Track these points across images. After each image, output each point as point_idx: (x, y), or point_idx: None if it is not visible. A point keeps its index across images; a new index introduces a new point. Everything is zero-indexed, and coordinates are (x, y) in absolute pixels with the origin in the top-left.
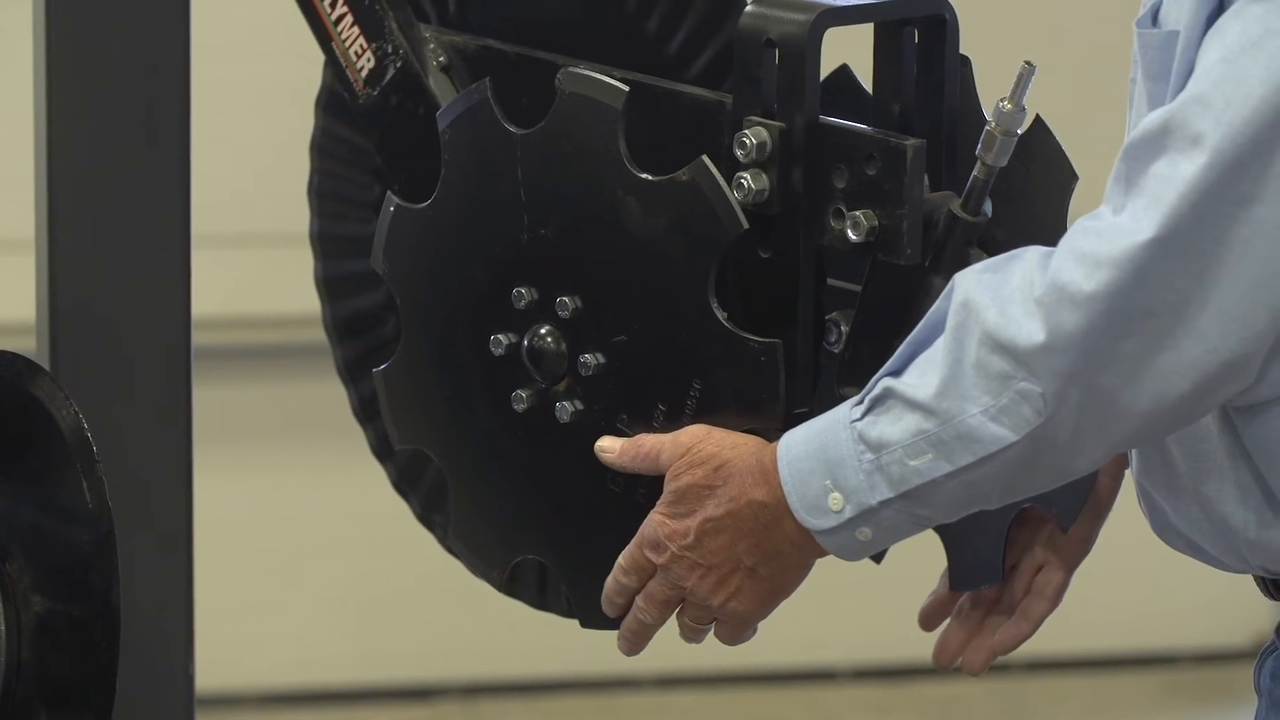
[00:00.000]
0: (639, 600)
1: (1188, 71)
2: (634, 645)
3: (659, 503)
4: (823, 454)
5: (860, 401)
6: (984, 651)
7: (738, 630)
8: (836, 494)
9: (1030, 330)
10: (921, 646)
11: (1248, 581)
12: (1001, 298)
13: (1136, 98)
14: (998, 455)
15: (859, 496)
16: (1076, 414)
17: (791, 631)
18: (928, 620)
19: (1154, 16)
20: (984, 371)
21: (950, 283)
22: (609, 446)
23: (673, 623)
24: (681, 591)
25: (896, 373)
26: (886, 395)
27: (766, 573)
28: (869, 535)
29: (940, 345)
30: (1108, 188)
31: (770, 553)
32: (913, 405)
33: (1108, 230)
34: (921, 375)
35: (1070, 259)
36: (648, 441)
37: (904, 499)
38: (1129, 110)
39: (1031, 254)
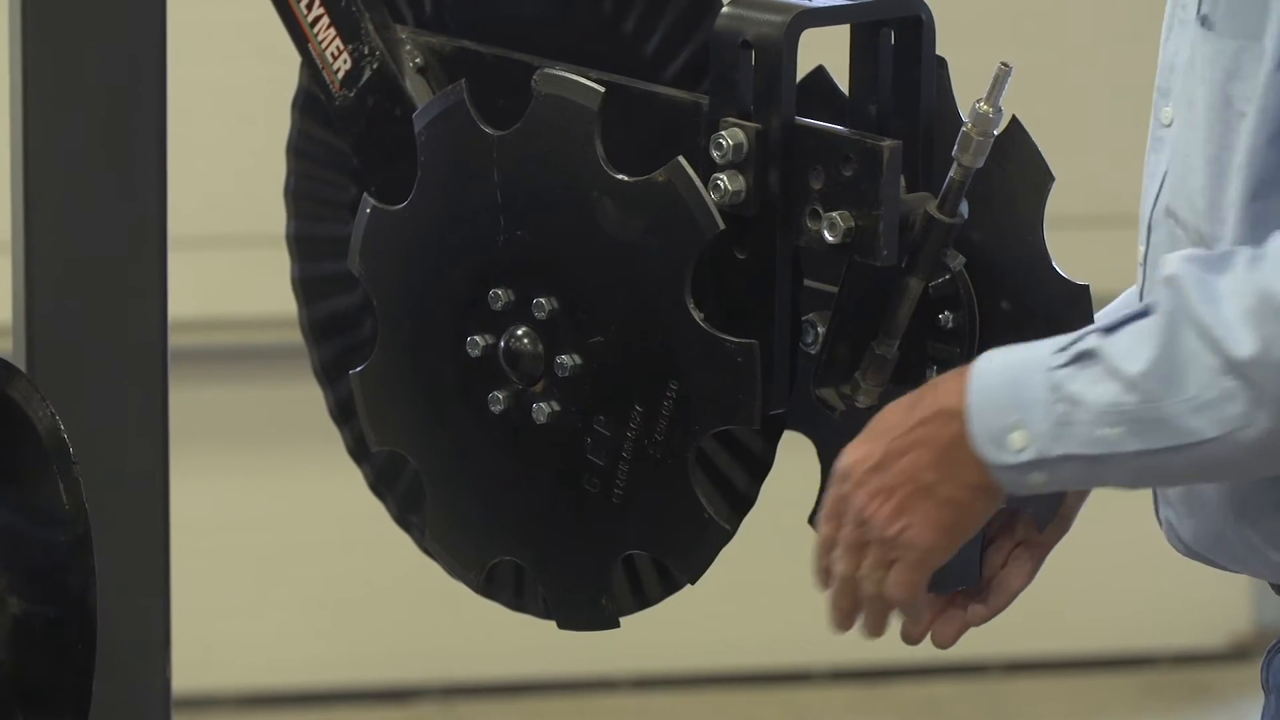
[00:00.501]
0: (836, 550)
1: None
2: (842, 612)
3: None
4: (1014, 389)
5: (1064, 349)
6: (956, 624)
7: (915, 572)
8: (1020, 433)
9: (1242, 339)
10: (898, 647)
11: (1225, 583)
12: (1213, 295)
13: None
14: (1192, 447)
15: (1042, 444)
16: (1278, 423)
17: (768, 632)
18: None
19: None
20: (1196, 364)
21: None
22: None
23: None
24: (864, 529)
25: (1108, 330)
26: (1092, 355)
27: (947, 494)
28: (1042, 481)
29: (1154, 323)
30: None
31: (951, 468)
32: (1116, 374)
33: None
34: (1131, 346)
35: (1278, 269)
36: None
37: (1086, 461)
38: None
39: (1240, 257)
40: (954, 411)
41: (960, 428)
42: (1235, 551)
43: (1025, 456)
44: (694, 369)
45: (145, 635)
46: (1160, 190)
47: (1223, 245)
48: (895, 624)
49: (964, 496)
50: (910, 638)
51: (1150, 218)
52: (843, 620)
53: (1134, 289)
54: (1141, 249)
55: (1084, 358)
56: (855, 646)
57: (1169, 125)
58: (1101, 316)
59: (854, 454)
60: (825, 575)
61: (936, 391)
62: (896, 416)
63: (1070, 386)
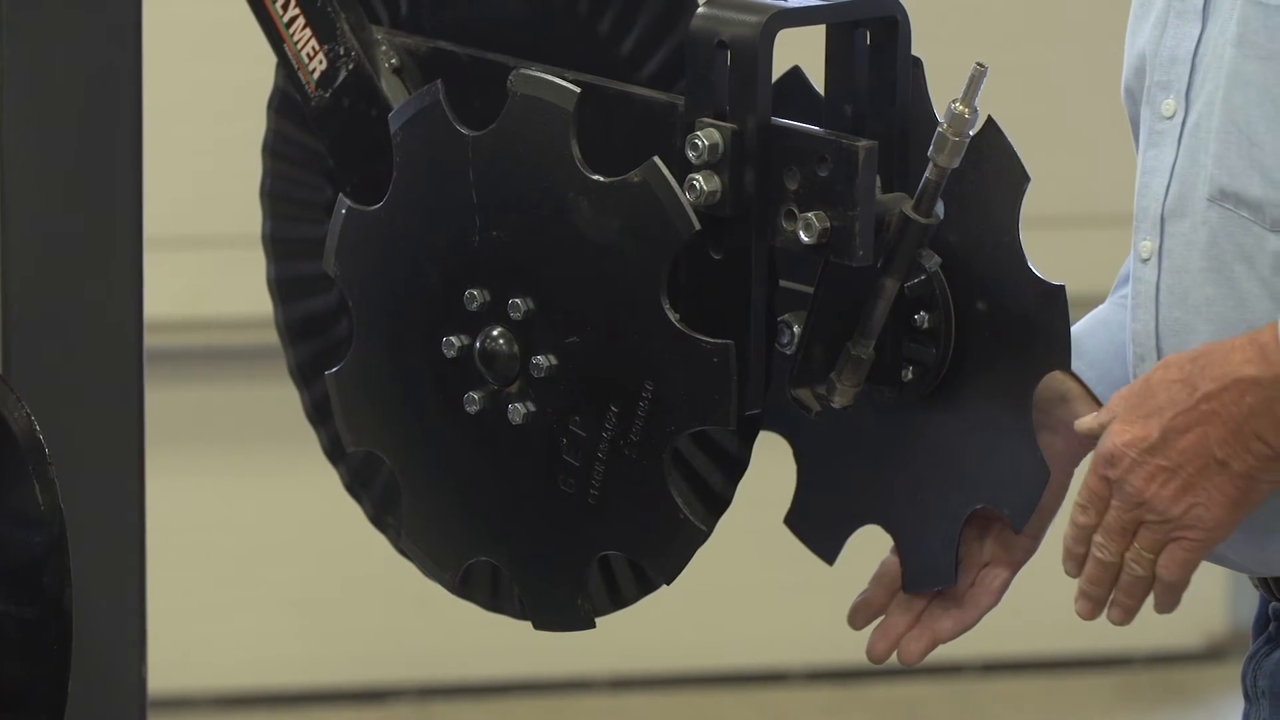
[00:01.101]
0: (1097, 536)
1: None
2: (1094, 601)
3: (1118, 416)
4: None
5: None
6: (924, 640)
7: (1194, 552)
8: None
9: None
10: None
11: (1201, 583)
12: None
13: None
14: None
15: None
16: None
17: (744, 633)
18: (857, 618)
19: None
20: None
21: None
22: (1084, 421)
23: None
24: (1139, 511)
25: None
26: None
27: (1240, 467)
28: None
29: None
30: None
31: (1247, 440)
32: None
33: None
34: None
35: None
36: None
37: None
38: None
39: None
40: (1256, 381)
41: (1261, 398)
42: (1262, 545)
43: None
44: (670, 369)
45: (121, 636)
46: (1170, 182)
47: None
48: (866, 631)
49: (1259, 468)
50: (875, 654)
51: (1162, 211)
52: (1092, 610)
53: (1104, 306)
54: (1149, 244)
55: None
56: (831, 647)
57: (1171, 117)
58: (1088, 322)
59: (1122, 436)
60: (1079, 563)
61: (1221, 362)
62: (1172, 393)
63: None
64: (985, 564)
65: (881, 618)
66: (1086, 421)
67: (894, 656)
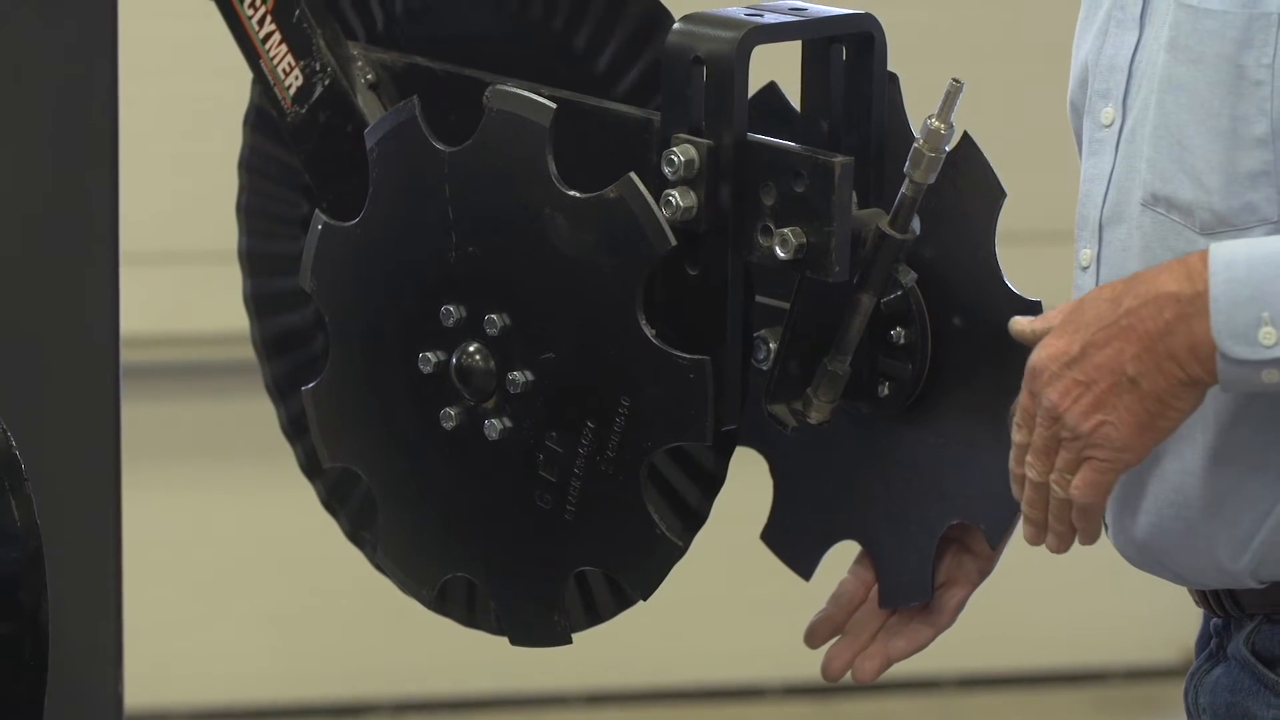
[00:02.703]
0: (1028, 456)
1: None
2: (1035, 525)
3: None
4: (1273, 283)
5: None
6: (878, 659)
7: (1103, 473)
8: (1271, 329)
9: None
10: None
11: (1177, 597)
12: None
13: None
14: None
15: None
16: None
17: (721, 648)
18: (814, 637)
19: None
20: None
21: None
22: (1020, 320)
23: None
24: (1056, 427)
25: None
26: None
27: (1149, 386)
28: (1277, 379)
29: None
30: None
31: (1159, 358)
32: None
33: None
34: None
35: None
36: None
37: None
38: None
39: None
40: (1174, 296)
41: (1176, 314)
42: (1191, 552)
43: (1277, 353)
44: (646, 385)
45: (97, 651)
46: (1108, 189)
47: (1245, 217)
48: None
49: (1169, 390)
50: (830, 672)
51: (1100, 218)
52: (1035, 534)
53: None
54: (1088, 251)
55: None
56: (808, 663)
57: (1109, 125)
58: None
59: (1048, 349)
60: (1019, 483)
61: (1147, 279)
62: (1099, 308)
63: None
64: (941, 584)
65: (837, 637)
66: (1020, 321)
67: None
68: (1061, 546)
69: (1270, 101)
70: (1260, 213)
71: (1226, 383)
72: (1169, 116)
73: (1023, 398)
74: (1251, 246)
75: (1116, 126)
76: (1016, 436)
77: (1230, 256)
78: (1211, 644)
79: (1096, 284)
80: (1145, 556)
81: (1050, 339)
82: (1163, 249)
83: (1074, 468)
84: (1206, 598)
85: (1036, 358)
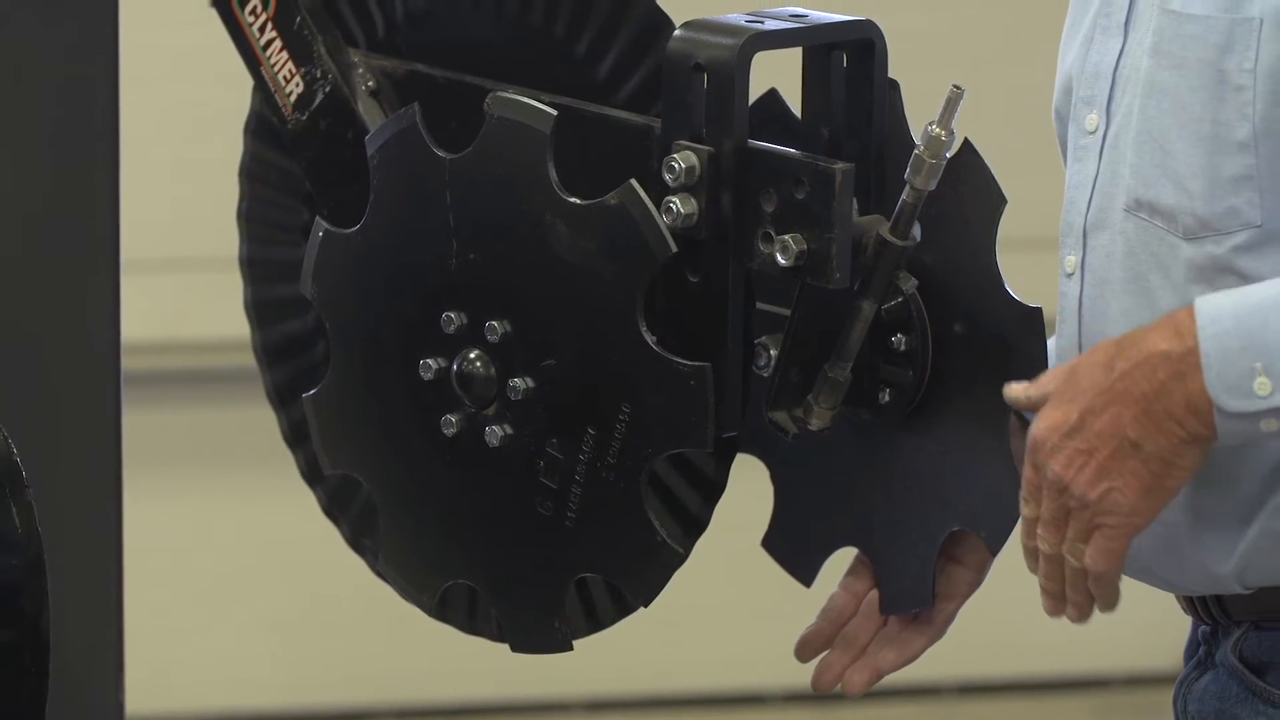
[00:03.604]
0: (1038, 529)
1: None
2: (1052, 597)
3: (1048, 401)
4: (1261, 332)
5: None
6: (867, 671)
7: (1115, 541)
8: (1265, 379)
9: None
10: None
11: (1176, 605)
12: None
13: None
14: None
15: None
16: None
17: (722, 655)
18: (805, 650)
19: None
20: None
21: None
22: (1015, 387)
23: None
24: (1064, 498)
25: None
26: None
27: (1151, 449)
28: (1276, 428)
29: None
30: None
31: (1158, 420)
32: None
33: None
34: None
35: None
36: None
37: None
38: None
39: None
40: (1166, 356)
41: (1170, 374)
42: (1177, 559)
43: (1275, 402)
44: (646, 392)
45: (98, 658)
46: (1092, 195)
47: (1228, 221)
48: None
49: (1171, 450)
50: (820, 685)
51: (1085, 224)
52: (1054, 605)
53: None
54: (1073, 258)
55: None
56: (808, 670)
57: (1094, 131)
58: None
59: (1046, 420)
60: (1033, 557)
61: (1138, 341)
62: (1093, 376)
63: None
64: None
65: (827, 651)
66: (1015, 388)
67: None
68: (1081, 617)
69: (1252, 106)
70: (1243, 217)
71: (1227, 436)
72: (1152, 122)
73: (1027, 471)
74: (1237, 298)
75: (1100, 133)
76: (1025, 511)
77: (1216, 310)
78: (1200, 652)
79: (1081, 290)
80: (1134, 565)
81: (1047, 410)
82: (1146, 254)
83: (1086, 537)
84: (1194, 605)
85: (1036, 430)
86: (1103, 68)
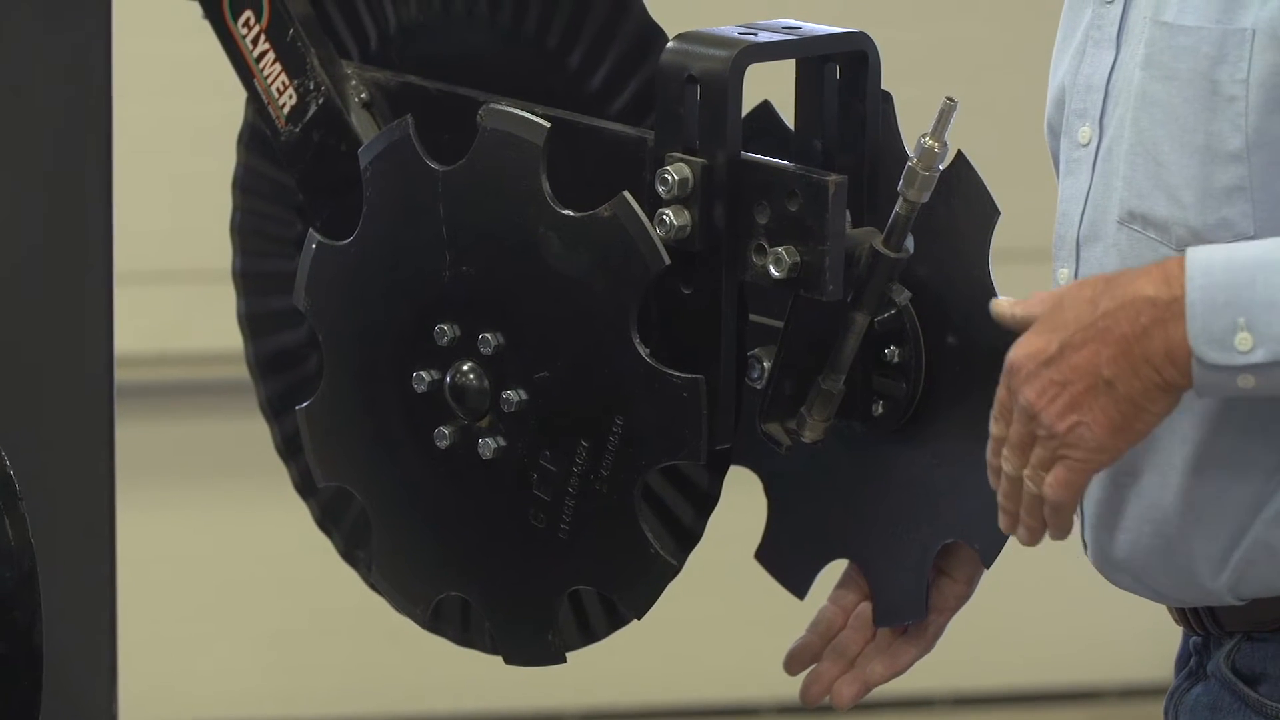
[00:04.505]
0: (1004, 449)
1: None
2: (1009, 515)
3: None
4: (1247, 290)
5: None
6: (856, 684)
7: (1076, 473)
8: (1247, 334)
9: None
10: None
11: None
12: None
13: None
14: None
15: (1276, 346)
16: None
17: (715, 667)
18: (794, 663)
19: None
20: None
21: None
22: (1003, 302)
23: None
24: (1032, 425)
25: None
26: None
27: (1124, 389)
28: (1251, 384)
29: None
30: None
31: (1135, 362)
32: None
33: None
34: None
35: None
36: (1045, 292)
37: None
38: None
39: None
40: (1151, 301)
41: (1152, 319)
42: (1170, 569)
43: (1252, 359)
44: (640, 404)
45: (91, 670)
46: (1085, 209)
47: (1220, 233)
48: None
49: (1144, 394)
50: (809, 698)
51: (1077, 237)
52: (1008, 523)
53: None
54: (1065, 270)
55: None
56: (801, 682)
57: (1086, 144)
58: None
59: (1026, 347)
60: (995, 475)
61: (1126, 282)
62: (1077, 310)
63: None
64: None
65: (815, 665)
66: (1002, 303)
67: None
68: (1033, 540)
69: (1245, 117)
70: (1235, 228)
71: (1202, 387)
72: (1145, 133)
73: (1000, 392)
74: (1230, 252)
75: (1093, 145)
76: (994, 429)
77: (1208, 262)
78: (1191, 662)
79: None
80: (1124, 575)
81: (1029, 336)
82: (1139, 266)
83: (1048, 465)
84: (1186, 616)
85: (1014, 355)
86: (1095, 80)
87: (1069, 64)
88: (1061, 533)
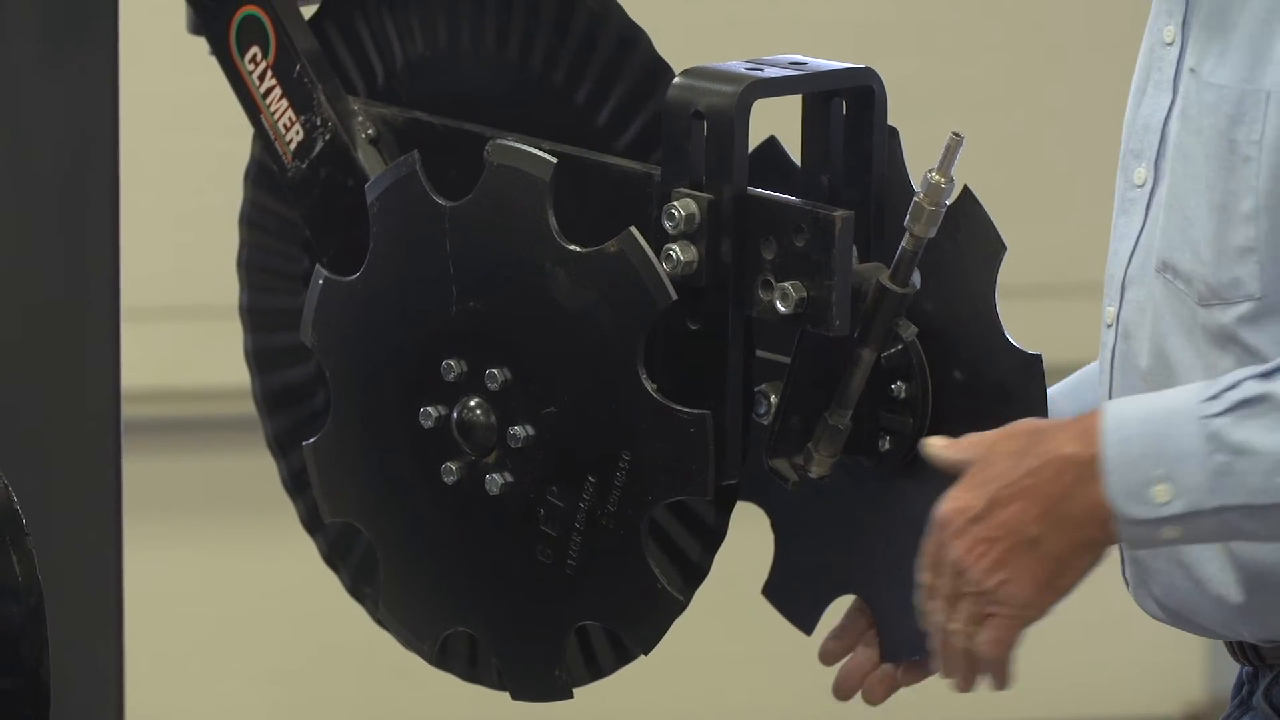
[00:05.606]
0: (934, 600)
1: None
2: (949, 665)
3: (960, 482)
4: (1161, 442)
5: (1214, 397)
6: (888, 683)
7: (1005, 630)
8: (1165, 486)
9: None
10: (849, 710)
11: (1181, 650)
12: None
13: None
14: None
15: (1194, 496)
16: None
17: (722, 703)
18: (829, 656)
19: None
20: None
21: None
22: (936, 442)
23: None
24: (960, 581)
25: (1268, 376)
26: (1260, 400)
27: (1050, 548)
28: (1176, 535)
29: None
30: None
31: (1059, 521)
32: None
33: None
34: None
35: None
36: (976, 436)
37: (1247, 511)
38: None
39: None
40: (1071, 460)
41: (1075, 478)
42: (1206, 608)
43: (1172, 510)
44: (646, 440)
45: (98, 707)
46: (1135, 249)
47: (1232, 291)
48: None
49: (1069, 551)
50: (842, 692)
51: (1124, 277)
52: (945, 670)
53: (1094, 365)
54: (1111, 309)
55: (1249, 405)
56: (808, 717)
57: (1141, 185)
58: (1065, 386)
59: (955, 502)
60: (928, 621)
61: (1049, 439)
62: (1002, 465)
63: (1235, 436)
64: None
65: (848, 656)
66: (934, 443)
67: (876, 713)
68: (967, 688)
69: (1258, 178)
70: (1245, 288)
71: (1130, 542)
72: (1177, 185)
73: (929, 544)
74: (1145, 404)
75: (1148, 187)
76: (925, 577)
77: (1122, 416)
78: (1243, 691)
79: (1115, 342)
80: (1168, 614)
81: (958, 491)
82: (1171, 316)
83: (978, 620)
84: (1231, 646)
85: (944, 510)
86: (1152, 122)
87: (1131, 101)
88: (1002, 686)
